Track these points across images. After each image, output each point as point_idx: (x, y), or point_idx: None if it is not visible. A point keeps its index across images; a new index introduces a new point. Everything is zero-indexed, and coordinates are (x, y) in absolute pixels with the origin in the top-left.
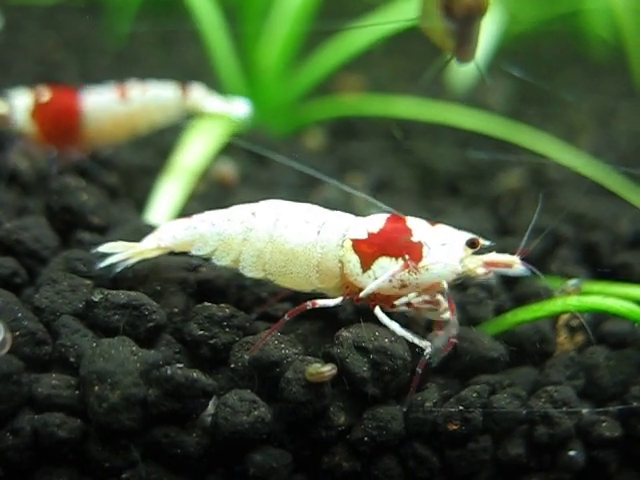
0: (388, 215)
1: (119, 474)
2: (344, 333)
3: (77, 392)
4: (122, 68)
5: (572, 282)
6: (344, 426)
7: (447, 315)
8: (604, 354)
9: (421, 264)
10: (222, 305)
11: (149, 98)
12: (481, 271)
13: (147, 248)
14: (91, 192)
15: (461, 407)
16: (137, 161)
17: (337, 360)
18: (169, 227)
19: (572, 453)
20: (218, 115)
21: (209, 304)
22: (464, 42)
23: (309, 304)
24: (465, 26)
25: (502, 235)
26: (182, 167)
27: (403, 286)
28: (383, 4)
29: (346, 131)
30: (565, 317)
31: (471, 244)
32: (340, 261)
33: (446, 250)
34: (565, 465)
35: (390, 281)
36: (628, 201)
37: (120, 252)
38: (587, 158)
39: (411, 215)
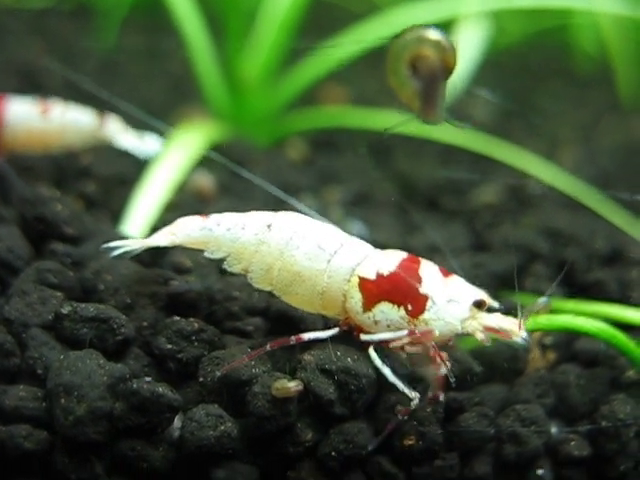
0: (404, 256)
1: None
2: (306, 357)
3: (44, 404)
4: (106, 76)
5: (541, 300)
6: (311, 442)
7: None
8: (575, 373)
9: (421, 317)
10: (191, 319)
11: (67, 121)
12: (480, 336)
13: (159, 244)
14: (65, 202)
15: (415, 422)
16: (115, 171)
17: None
18: (184, 224)
19: (540, 472)
20: (131, 149)
21: (178, 318)
22: (429, 102)
23: (293, 339)
24: (430, 86)
25: (477, 250)
26: (159, 178)
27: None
28: (369, 14)
29: (328, 143)
30: (537, 335)
31: (478, 305)
32: (344, 295)
33: (451, 308)
34: None
35: (388, 326)
36: (605, 218)
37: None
38: (566, 174)
39: (387, 228)
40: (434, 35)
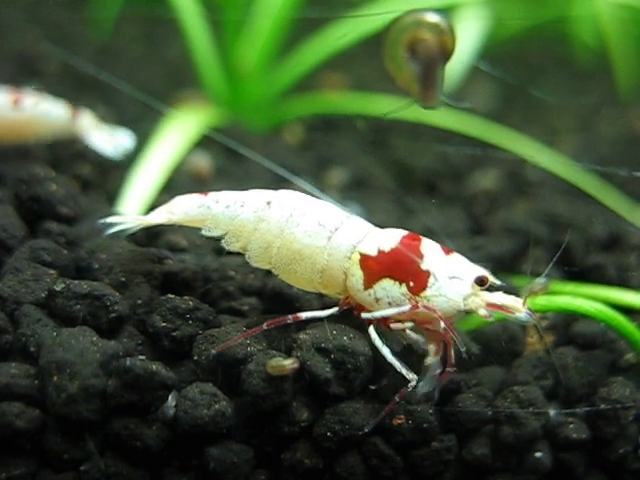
0: (405, 233)
1: (78, 466)
2: (302, 335)
3: (36, 382)
4: (104, 62)
5: (540, 281)
6: (307, 422)
7: (430, 359)
8: (573, 355)
9: (423, 294)
10: (186, 297)
11: (39, 112)
12: (483, 312)
13: (157, 221)
14: (60, 182)
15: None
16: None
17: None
18: (182, 201)
19: (538, 454)
20: (100, 147)
21: (172, 296)
22: (428, 85)
23: (290, 318)
24: (429, 69)
25: (475, 234)
26: (156, 159)
27: (402, 312)
28: (367, 2)
29: (326, 128)
30: (534, 317)
31: (480, 282)
32: (344, 272)
33: (452, 285)
34: (531, 466)
35: (389, 304)
36: (603, 204)
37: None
38: (565, 160)
39: (385, 212)
40: (432, 18)
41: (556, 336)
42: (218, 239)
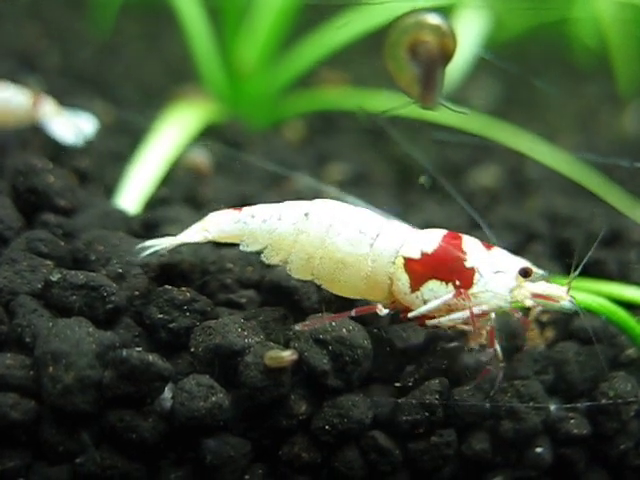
0: (444, 233)
1: (73, 458)
2: (301, 328)
3: (32, 373)
4: (104, 59)
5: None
6: (305, 415)
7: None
8: (573, 350)
9: (471, 291)
10: (183, 289)
11: (0, 100)
12: (528, 302)
13: (192, 240)
14: (58, 174)
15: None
16: (111, 147)
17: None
18: (216, 218)
19: (539, 450)
20: (61, 133)
21: (170, 287)
22: (428, 87)
23: (379, 306)
24: (429, 71)
25: (476, 230)
26: (154, 153)
27: (450, 310)
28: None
29: (326, 125)
30: (535, 311)
31: (524, 274)
32: (390, 278)
33: (498, 279)
34: (531, 462)
35: (438, 306)
36: (604, 201)
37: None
38: (566, 156)
39: (385, 207)
40: (434, 20)
41: (557, 331)
42: (257, 253)
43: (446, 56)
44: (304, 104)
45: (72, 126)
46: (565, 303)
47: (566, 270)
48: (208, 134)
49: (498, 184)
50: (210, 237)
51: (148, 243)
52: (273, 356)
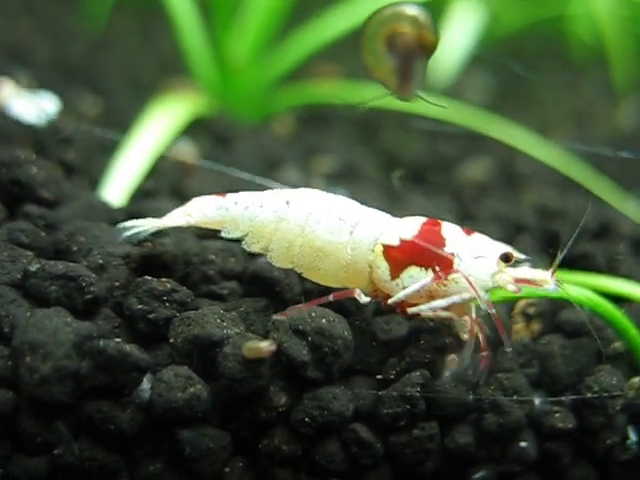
0: (424, 220)
1: (51, 449)
2: (279, 317)
3: (10, 363)
4: (97, 53)
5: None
6: (285, 407)
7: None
8: (559, 343)
9: (451, 277)
10: (163, 279)
11: None
12: (511, 287)
13: (175, 224)
14: (41, 166)
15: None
16: (98, 139)
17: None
18: (199, 203)
19: (523, 444)
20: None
21: (149, 278)
22: (405, 78)
23: (357, 291)
24: (406, 62)
25: (464, 222)
26: (140, 145)
27: (431, 297)
28: None
29: (317, 118)
30: (521, 304)
31: (505, 258)
32: (369, 265)
33: (479, 264)
34: (516, 456)
35: (418, 291)
36: (595, 193)
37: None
38: (557, 150)
39: (372, 200)
40: (411, 11)
41: (543, 324)
42: (238, 240)
43: (424, 48)
44: (295, 98)
45: (34, 106)
46: (550, 287)
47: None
48: (196, 127)
49: (488, 177)
50: (193, 222)
51: (129, 223)
52: (251, 347)
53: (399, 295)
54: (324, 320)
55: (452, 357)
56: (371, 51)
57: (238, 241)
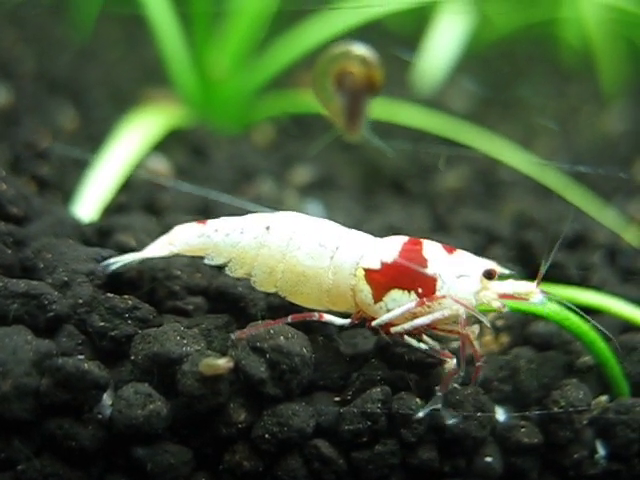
0: (404, 240)
1: (15, 466)
2: (237, 334)
3: None
4: (81, 63)
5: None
6: (245, 424)
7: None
8: (526, 357)
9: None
10: (125, 297)
11: None
12: (496, 304)
13: (158, 255)
14: (10, 182)
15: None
16: (73, 154)
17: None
18: (181, 232)
19: (488, 459)
20: None
21: (112, 295)
22: (353, 117)
23: (316, 315)
24: (354, 102)
25: (437, 232)
26: (113, 160)
27: (415, 317)
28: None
29: (297, 128)
30: (490, 317)
31: (488, 275)
32: (352, 289)
33: (461, 284)
34: (481, 471)
35: (402, 314)
36: (573, 204)
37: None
38: (537, 160)
39: (345, 210)
40: (359, 51)
41: (512, 336)
42: (222, 267)
43: (371, 87)
44: (275, 107)
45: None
46: (536, 299)
47: (526, 273)
48: (173, 139)
49: (464, 186)
50: (176, 251)
51: (112, 260)
52: (209, 364)
53: (382, 318)
54: (282, 337)
55: (437, 370)
56: (321, 88)
57: (222, 267)
